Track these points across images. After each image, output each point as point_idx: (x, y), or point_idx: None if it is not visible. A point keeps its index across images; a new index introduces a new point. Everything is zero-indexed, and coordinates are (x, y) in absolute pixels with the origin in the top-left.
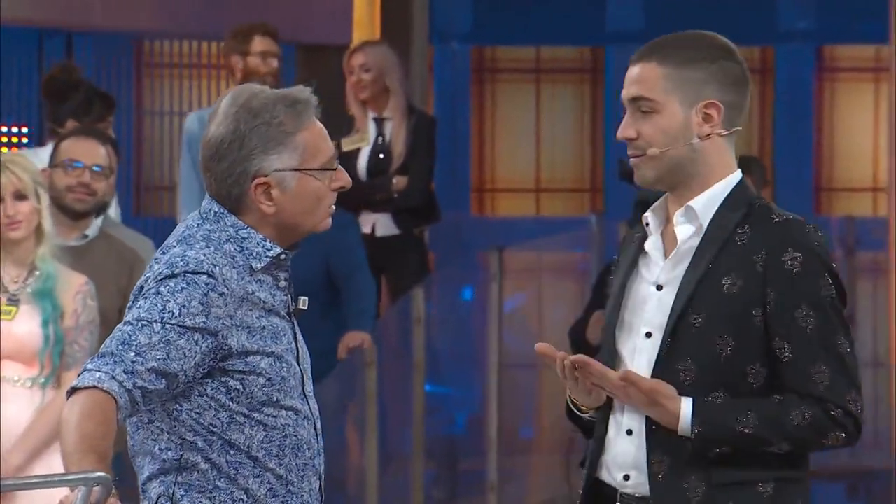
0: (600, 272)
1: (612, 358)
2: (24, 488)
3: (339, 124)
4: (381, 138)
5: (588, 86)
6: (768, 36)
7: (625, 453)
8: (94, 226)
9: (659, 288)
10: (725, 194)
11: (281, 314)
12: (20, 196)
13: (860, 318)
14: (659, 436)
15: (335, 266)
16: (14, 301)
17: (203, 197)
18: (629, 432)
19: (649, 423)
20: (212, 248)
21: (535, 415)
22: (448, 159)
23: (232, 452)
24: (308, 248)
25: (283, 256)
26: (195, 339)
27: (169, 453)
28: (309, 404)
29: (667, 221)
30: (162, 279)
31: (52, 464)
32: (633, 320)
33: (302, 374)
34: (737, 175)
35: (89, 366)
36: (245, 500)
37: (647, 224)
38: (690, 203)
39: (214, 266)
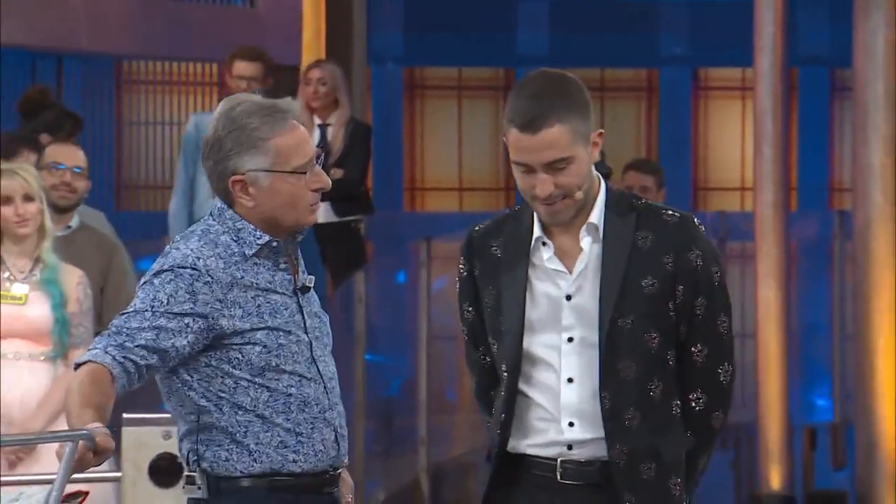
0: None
1: (521, 360)
2: (23, 443)
3: None
4: (322, 140)
5: (502, 101)
6: (652, 60)
7: (568, 402)
8: (75, 218)
9: (568, 298)
10: (604, 201)
11: (280, 292)
12: (28, 198)
13: (731, 296)
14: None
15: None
16: (22, 287)
17: (185, 190)
18: (570, 380)
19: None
20: (202, 242)
21: (459, 380)
22: (384, 163)
23: (241, 413)
24: None
25: (274, 244)
26: (185, 322)
27: (190, 416)
28: (318, 367)
29: (559, 223)
30: (155, 273)
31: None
32: (546, 327)
33: (311, 341)
34: (601, 179)
35: (90, 346)
36: (257, 451)
37: (544, 243)
38: (592, 220)
39: (198, 259)
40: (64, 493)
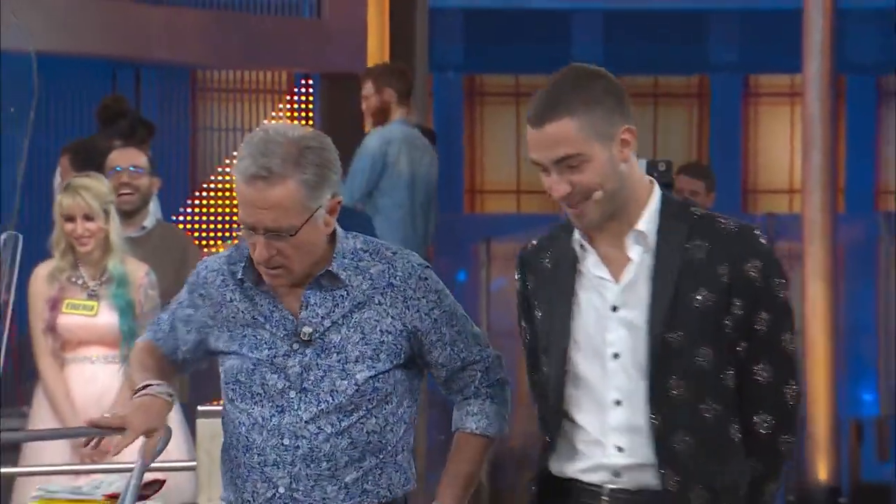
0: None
1: (568, 381)
2: (98, 434)
3: (358, 139)
4: None
5: None
6: (704, 67)
7: (617, 423)
8: (150, 218)
9: (615, 309)
10: (659, 209)
11: (269, 330)
12: (88, 217)
13: None
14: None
15: None
16: (94, 297)
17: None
18: (617, 402)
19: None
20: (227, 253)
21: (517, 374)
22: (445, 167)
23: (227, 428)
24: None
25: (240, 276)
26: (187, 328)
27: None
28: (282, 419)
29: (591, 230)
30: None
31: None
32: (592, 343)
33: (284, 390)
34: (657, 187)
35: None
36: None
37: (582, 247)
38: (639, 227)
39: (205, 269)
40: (142, 482)
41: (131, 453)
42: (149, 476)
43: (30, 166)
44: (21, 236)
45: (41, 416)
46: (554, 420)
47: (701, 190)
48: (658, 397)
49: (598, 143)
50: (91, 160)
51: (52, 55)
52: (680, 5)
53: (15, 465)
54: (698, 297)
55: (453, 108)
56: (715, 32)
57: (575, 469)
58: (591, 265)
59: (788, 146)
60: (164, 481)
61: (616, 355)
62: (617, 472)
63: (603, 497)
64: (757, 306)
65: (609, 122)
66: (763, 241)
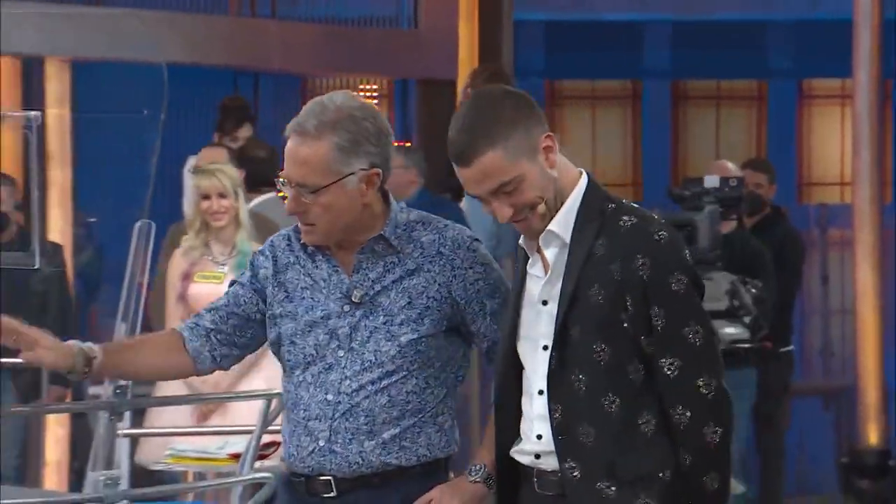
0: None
1: (514, 368)
2: (222, 400)
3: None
4: None
5: (629, 109)
6: (762, 73)
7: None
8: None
9: (544, 303)
10: (578, 205)
11: (324, 292)
12: (222, 195)
13: (832, 278)
14: (567, 443)
15: None
16: (223, 268)
17: None
18: (540, 392)
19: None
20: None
21: None
22: None
23: (284, 388)
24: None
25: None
26: (252, 283)
27: None
28: (329, 375)
29: (536, 237)
30: None
31: (252, 383)
32: (529, 333)
33: (335, 349)
34: (583, 180)
35: None
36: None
37: (524, 250)
38: (550, 227)
39: (276, 235)
40: (261, 443)
41: (252, 417)
42: (267, 438)
43: (160, 163)
44: (153, 224)
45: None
46: (502, 405)
47: (764, 182)
48: (559, 390)
49: (525, 161)
50: (263, 176)
51: (180, 65)
52: (741, 16)
53: (141, 426)
54: (595, 295)
55: None
56: (773, 41)
57: (515, 450)
58: (531, 262)
59: (839, 143)
60: (279, 443)
61: (545, 347)
62: (538, 455)
63: (533, 478)
64: (649, 302)
65: (528, 137)
66: (659, 235)
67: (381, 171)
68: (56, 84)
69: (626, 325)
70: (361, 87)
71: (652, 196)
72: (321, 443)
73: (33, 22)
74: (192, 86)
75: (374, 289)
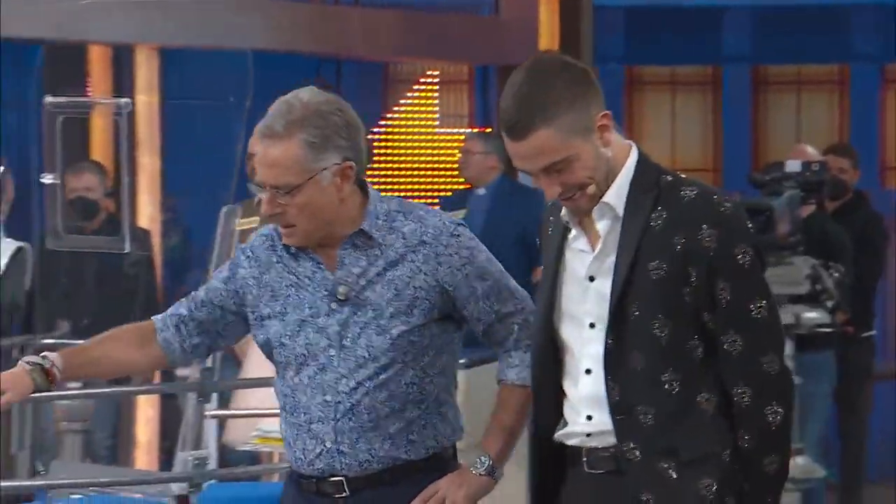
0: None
1: (554, 346)
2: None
3: None
4: None
5: (710, 94)
6: (844, 56)
7: (588, 394)
8: None
9: (591, 279)
10: (630, 178)
11: (310, 290)
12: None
13: None
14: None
15: (530, 233)
16: None
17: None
18: (588, 371)
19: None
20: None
21: None
22: None
23: (278, 391)
24: (503, 215)
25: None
26: (225, 283)
27: None
28: (324, 376)
29: (582, 214)
30: None
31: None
32: (573, 311)
33: (326, 348)
34: (633, 153)
35: None
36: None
37: (567, 223)
38: (606, 199)
39: (257, 235)
40: None
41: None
42: None
43: (245, 150)
44: (239, 209)
45: (253, 361)
46: (542, 384)
47: (847, 167)
48: (617, 368)
49: (580, 140)
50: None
51: (264, 52)
52: (822, 0)
53: (228, 407)
54: (653, 267)
55: (615, 96)
56: (855, 24)
57: (560, 434)
58: (573, 236)
59: None
60: None
61: (592, 325)
62: (588, 435)
63: (582, 458)
64: (714, 276)
65: (585, 115)
66: (725, 206)
67: (353, 163)
68: (145, 71)
69: (687, 299)
70: (428, 73)
71: (732, 182)
72: (328, 444)
73: (123, 10)
74: (277, 73)
75: (359, 284)
